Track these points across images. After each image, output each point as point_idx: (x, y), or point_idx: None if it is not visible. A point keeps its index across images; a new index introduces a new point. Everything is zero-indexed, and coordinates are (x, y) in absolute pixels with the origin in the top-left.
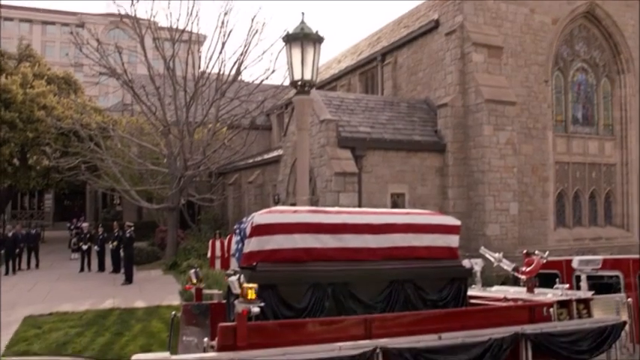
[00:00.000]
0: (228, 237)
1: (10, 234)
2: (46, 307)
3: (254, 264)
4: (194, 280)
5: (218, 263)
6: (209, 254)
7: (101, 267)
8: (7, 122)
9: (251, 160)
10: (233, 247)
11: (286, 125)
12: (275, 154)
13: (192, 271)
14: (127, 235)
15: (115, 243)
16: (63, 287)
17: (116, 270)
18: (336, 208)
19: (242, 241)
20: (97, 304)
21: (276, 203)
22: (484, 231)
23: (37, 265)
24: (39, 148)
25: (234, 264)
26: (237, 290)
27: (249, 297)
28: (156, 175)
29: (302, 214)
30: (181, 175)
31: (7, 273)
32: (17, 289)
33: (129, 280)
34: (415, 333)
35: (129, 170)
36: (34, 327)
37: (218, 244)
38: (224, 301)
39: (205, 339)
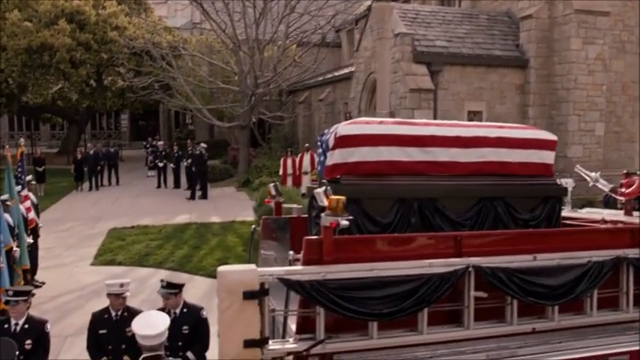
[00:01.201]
0: (299, 155)
1: (91, 152)
2: (128, 221)
3: (337, 177)
4: (273, 193)
5: (290, 180)
6: (281, 171)
7: (176, 184)
8: (83, 44)
9: (321, 78)
10: (316, 159)
11: (358, 40)
12: (346, 70)
13: (272, 184)
14: (197, 152)
15: (190, 160)
16: (142, 202)
17: (191, 187)
18: (424, 120)
19: (324, 153)
20: (175, 218)
21: (347, 119)
22: (565, 152)
23: (117, 182)
24: (113, 69)
25: (305, 181)
26: (323, 202)
27: (337, 209)
28: (226, 93)
29: (388, 125)
30: (252, 92)
31: (90, 189)
32: (100, 204)
33: (204, 194)
34: (507, 253)
35: (200, 89)
36: (118, 239)
37: (290, 161)
38: (304, 216)
39: (290, 252)
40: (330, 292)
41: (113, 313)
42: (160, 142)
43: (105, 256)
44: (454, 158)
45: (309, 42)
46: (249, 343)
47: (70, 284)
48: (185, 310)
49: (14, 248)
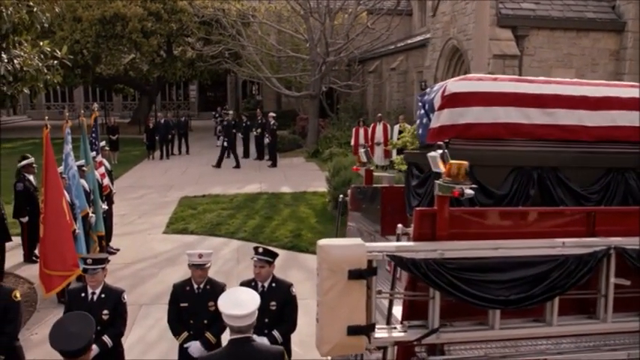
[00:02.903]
0: (372, 125)
1: (162, 121)
2: (199, 190)
3: (445, 140)
4: (364, 160)
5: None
6: (352, 142)
7: (245, 153)
8: (154, 13)
9: (393, 46)
10: (416, 122)
11: (436, 4)
12: (420, 38)
13: (363, 150)
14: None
15: (259, 130)
16: (211, 171)
17: (260, 157)
18: (543, 77)
19: (427, 114)
20: (245, 188)
21: (423, 90)
22: None
23: (187, 151)
24: (183, 39)
25: (378, 152)
26: (439, 168)
27: (459, 176)
28: (295, 62)
29: (504, 82)
30: (323, 60)
31: (161, 157)
32: (171, 173)
33: (274, 164)
34: None
35: (269, 57)
36: (190, 207)
37: (362, 131)
38: (397, 185)
39: (399, 225)
40: (448, 273)
41: (195, 286)
42: (230, 112)
43: (177, 225)
44: (580, 122)
45: (381, 9)
46: (353, 330)
47: (143, 252)
48: (274, 284)
49: (90, 214)
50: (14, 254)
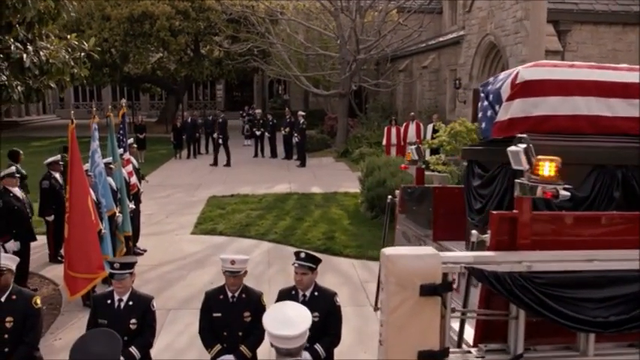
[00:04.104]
0: (404, 124)
1: (189, 119)
2: (227, 189)
3: (516, 135)
4: (415, 158)
5: (393, 151)
6: (384, 141)
7: (273, 153)
8: (182, 12)
9: (424, 44)
10: (479, 114)
11: (471, 0)
12: (453, 35)
13: (414, 147)
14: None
15: (287, 129)
16: (239, 171)
17: (288, 156)
18: (626, 65)
19: (492, 106)
20: (274, 188)
21: (457, 89)
22: None
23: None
24: (211, 38)
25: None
26: (523, 165)
27: (551, 175)
28: (323, 60)
29: (582, 69)
30: (354, 58)
31: (188, 156)
32: (198, 172)
33: (303, 164)
34: None
35: (297, 55)
36: (218, 207)
37: (394, 131)
38: (451, 186)
39: (473, 231)
40: (536, 289)
41: (229, 294)
42: (258, 110)
43: (205, 225)
44: None
45: (411, 7)
46: (425, 355)
47: (171, 253)
48: (316, 293)
49: (117, 214)
50: (40, 253)
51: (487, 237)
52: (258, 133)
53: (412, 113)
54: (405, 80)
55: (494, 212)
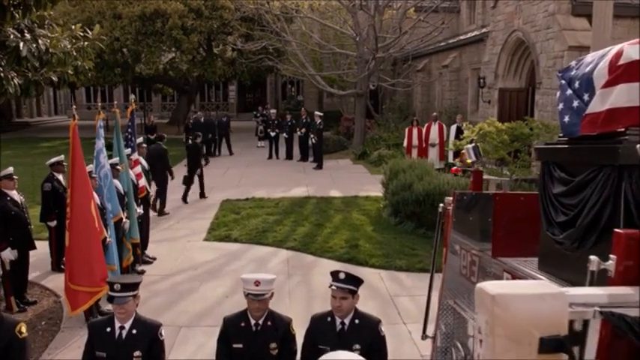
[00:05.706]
0: (426, 125)
1: (202, 119)
2: (241, 192)
3: (618, 131)
4: (472, 159)
5: (415, 152)
6: (405, 143)
7: (289, 154)
8: (194, 10)
9: (443, 43)
10: (558, 106)
11: None
12: (476, 32)
13: (471, 146)
14: (316, 121)
15: (303, 130)
16: (253, 173)
17: (304, 158)
18: None
19: (578, 95)
20: (290, 191)
21: (482, 88)
22: None
23: (229, 152)
24: (224, 37)
25: (432, 154)
26: None
27: None
28: (338, 60)
29: None
30: (373, 56)
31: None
32: (211, 174)
33: (319, 166)
34: None
35: (312, 54)
36: (232, 212)
37: (415, 132)
38: (515, 192)
39: (593, 257)
40: None
41: (252, 322)
42: (272, 111)
43: (219, 231)
44: None
45: (429, 7)
46: None
47: (182, 261)
48: (357, 320)
49: (124, 219)
50: (41, 262)
51: (611, 264)
52: (272, 134)
53: (435, 114)
54: (423, 80)
55: (620, 231)
